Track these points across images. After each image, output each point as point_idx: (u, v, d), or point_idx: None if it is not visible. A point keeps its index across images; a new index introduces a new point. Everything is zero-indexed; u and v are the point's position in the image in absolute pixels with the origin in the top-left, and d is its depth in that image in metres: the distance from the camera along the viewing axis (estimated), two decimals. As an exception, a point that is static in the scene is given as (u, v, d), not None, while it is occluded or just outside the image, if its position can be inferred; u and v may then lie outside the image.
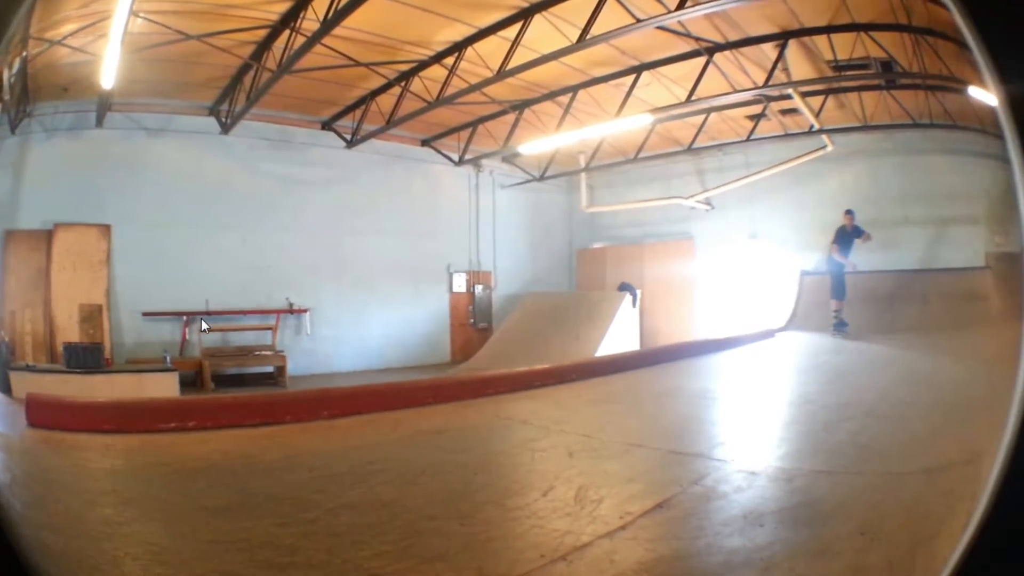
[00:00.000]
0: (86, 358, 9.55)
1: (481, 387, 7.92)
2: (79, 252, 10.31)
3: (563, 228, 17.47)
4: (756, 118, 12.48)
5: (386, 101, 11.51)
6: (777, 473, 4.25)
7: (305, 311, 11.47)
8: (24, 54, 9.56)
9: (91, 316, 10.10)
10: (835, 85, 11.12)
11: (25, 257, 10.15)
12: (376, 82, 11.11)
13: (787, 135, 12.66)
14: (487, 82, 10.02)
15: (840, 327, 11.15)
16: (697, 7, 7.98)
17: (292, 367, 11.07)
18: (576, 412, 6.57)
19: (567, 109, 11.99)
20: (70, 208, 10.31)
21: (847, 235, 11.59)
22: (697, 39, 9.71)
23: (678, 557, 3.13)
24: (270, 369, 11.08)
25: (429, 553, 3.24)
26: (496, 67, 9.72)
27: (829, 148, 12.52)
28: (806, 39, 9.77)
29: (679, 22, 8.74)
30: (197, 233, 10.97)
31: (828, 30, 9.43)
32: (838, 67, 10.27)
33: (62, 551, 3.37)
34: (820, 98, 11.81)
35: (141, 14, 8.39)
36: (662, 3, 8.14)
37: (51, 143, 10.57)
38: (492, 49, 9.64)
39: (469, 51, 9.84)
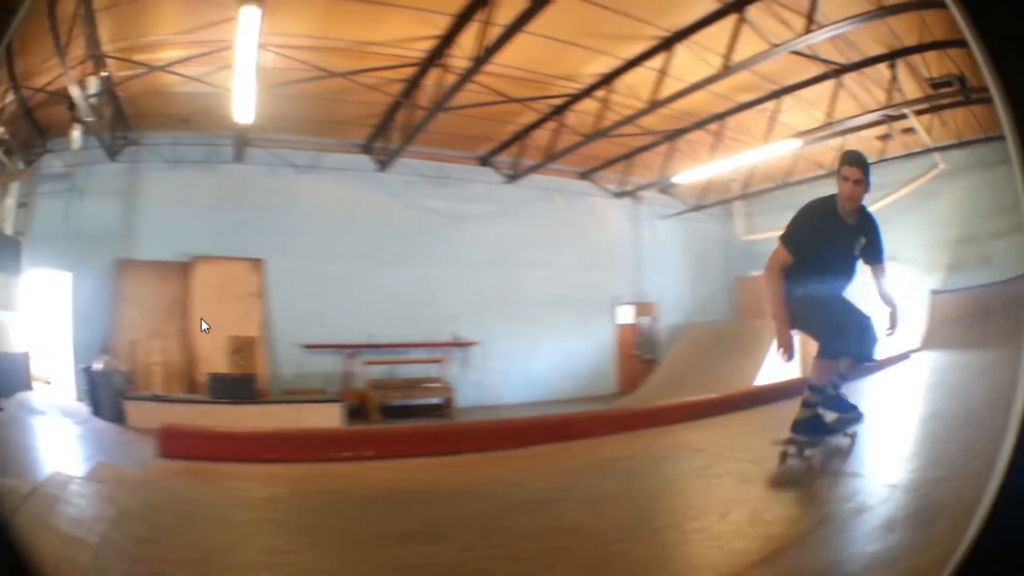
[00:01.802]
0: (236, 388, 9.71)
1: (653, 417, 8.14)
2: (223, 284, 10.39)
3: (720, 257, 17.16)
4: (884, 138, 12.60)
5: (541, 136, 11.58)
6: (908, 484, 4.64)
7: (472, 344, 11.60)
8: (103, 74, 9.57)
9: (242, 347, 10.18)
10: (936, 103, 11.36)
11: (153, 288, 10.21)
12: (530, 117, 11.18)
13: (909, 154, 12.79)
14: (640, 113, 10.07)
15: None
16: (822, 30, 8.20)
17: (460, 399, 11.13)
18: (746, 439, 6.75)
19: (717, 136, 12.07)
20: (210, 240, 10.40)
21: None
22: (824, 61, 9.90)
23: (834, 563, 3.57)
24: (437, 401, 11.13)
25: (615, 576, 3.45)
26: (646, 97, 9.82)
27: (941, 166, 12.50)
28: (908, 58, 10.03)
29: (808, 45, 8.96)
30: (357, 268, 11.06)
31: (924, 48, 9.65)
32: (933, 84, 10.54)
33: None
34: (926, 117, 11.77)
35: (271, 48, 8.39)
36: (789, 27, 8.37)
37: (178, 174, 10.62)
38: (640, 80, 9.75)
39: (618, 82, 9.96)
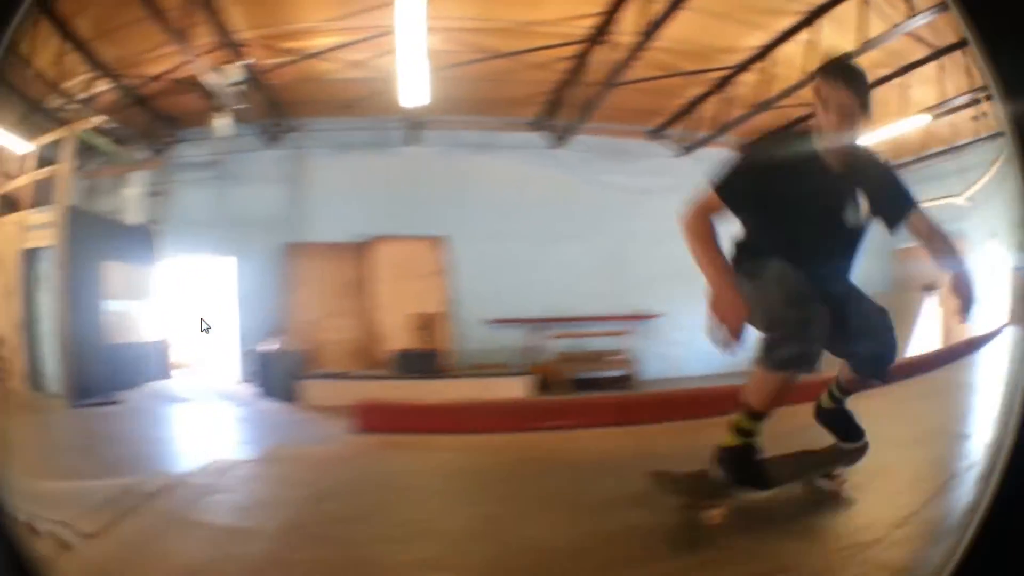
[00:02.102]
0: (422, 364, 10.15)
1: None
2: (403, 263, 10.81)
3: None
4: (977, 119, 12.74)
5: (709, 108, 11.62)
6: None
7: (655, 316, 11.69)
8: (243, 63, 9.80)
9: (427, 324, 10.59)
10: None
11: (327, 269, 10.65)
12: (696, 90, 11.29)
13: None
14: (798, 86, 9.94)
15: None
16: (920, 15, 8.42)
17: (644, 371, 11.31)
18: (907, 405, 6.47)
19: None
20: (386, 222, 10.76)
21: None
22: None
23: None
24: (621, 373, 11.31)
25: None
26: (801, 69, 9.84)
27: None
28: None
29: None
30: (538, 243, 11.27)
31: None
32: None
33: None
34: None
35: (437, 31, 8.52)
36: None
37: (345, 159, 11.00)
38: (794, 52, 9.82)
39: (775, 55, 10.15)
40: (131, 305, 10.47)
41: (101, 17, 8.24)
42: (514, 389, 9.87)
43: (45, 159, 10.11)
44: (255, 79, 10.05)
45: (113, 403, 8.98)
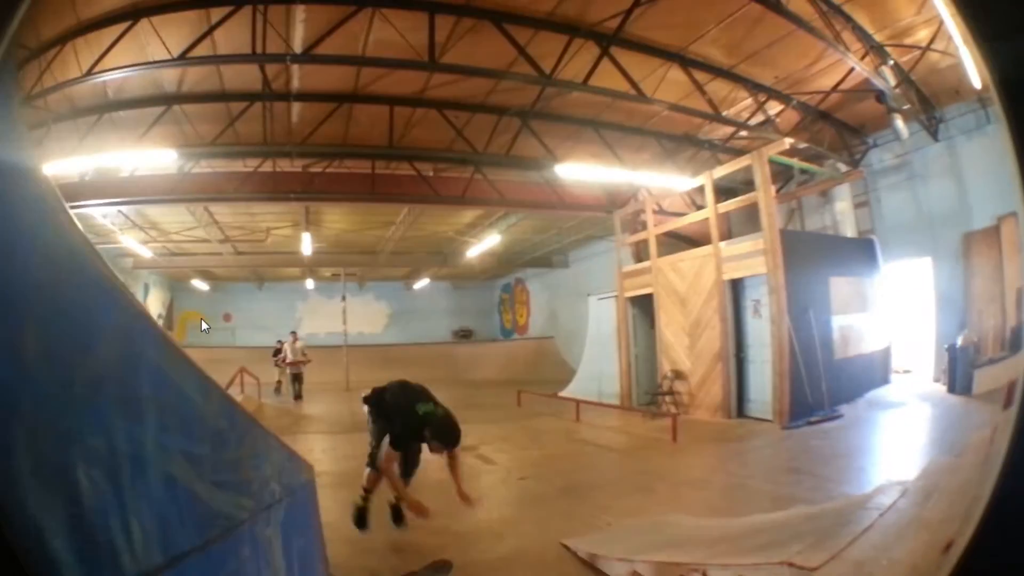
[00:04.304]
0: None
1: None
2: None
3: None
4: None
5: None
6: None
7: None
8: (890, 63, 9.48)
9: None
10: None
11: (986, 255, 10.03)
12: None
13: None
14: None
15: None
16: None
17: None
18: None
19: None
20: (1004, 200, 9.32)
21: None
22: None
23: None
24: None
25: None
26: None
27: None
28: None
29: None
30: None
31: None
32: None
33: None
34: None
35: None
36: None
37: (970, 144, 10.44)
38: None
39: None
40: (857, 318, 11.05)
41: (732, 41, 8.81)
42: None
43: (723, 192, 11.58)
44: (904, 77, 9.97)
45: (836, 417, 9.46)
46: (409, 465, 5.67)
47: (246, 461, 2.22)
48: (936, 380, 10.60)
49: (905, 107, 10.20)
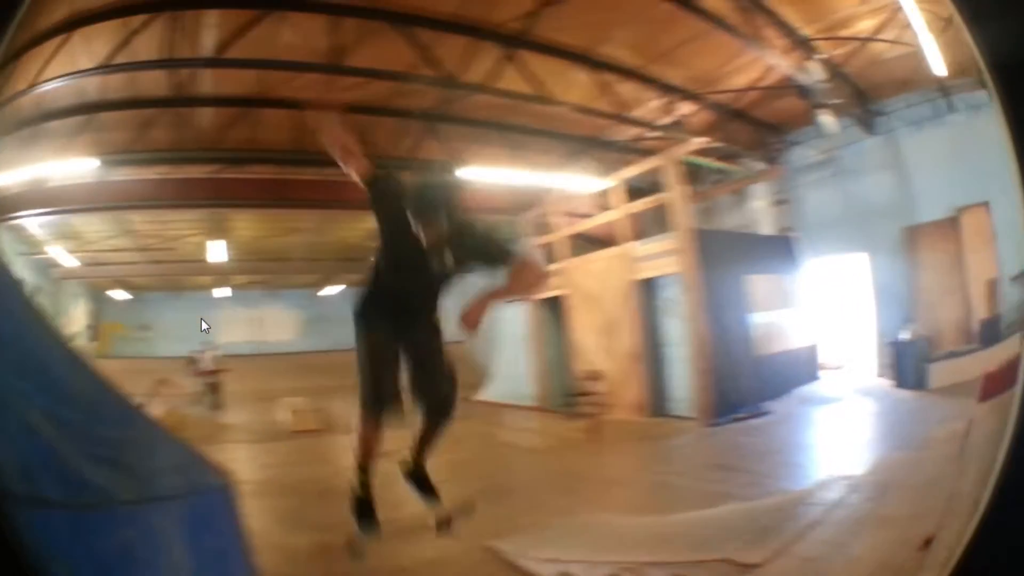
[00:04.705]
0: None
1: None
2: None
3: None
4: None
5: None
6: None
7: None
8: (817, 57, 9.44)
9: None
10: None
11: (934, 248, 10.07)
12: None
13: None
14: None
15: None
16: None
17: None
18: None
19: None
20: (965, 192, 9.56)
21: None
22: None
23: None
24: None
25: None
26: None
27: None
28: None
29: None
30: None
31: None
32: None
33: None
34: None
35: None
36: None
37: (920, 135, 10.29)
38: None
39: None
40: (778, 314, 11.03)
41: (641, 42, 8.85)
42: None
43: (634, 192, 11.48)
44: (836, 72, 9.93)
45: (763, 414, 9.40)
46: (425, 385, 3.92)
47: (131, 446, 2.27)
48: (881, 375, 10.56)
49: (835, 101, 10.15)
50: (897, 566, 2.81)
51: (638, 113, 10.42)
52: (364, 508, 3.90)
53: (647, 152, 11.57)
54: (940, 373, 9.19)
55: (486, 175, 11.00)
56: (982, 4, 1.49)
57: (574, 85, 9.16)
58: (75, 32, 7.65)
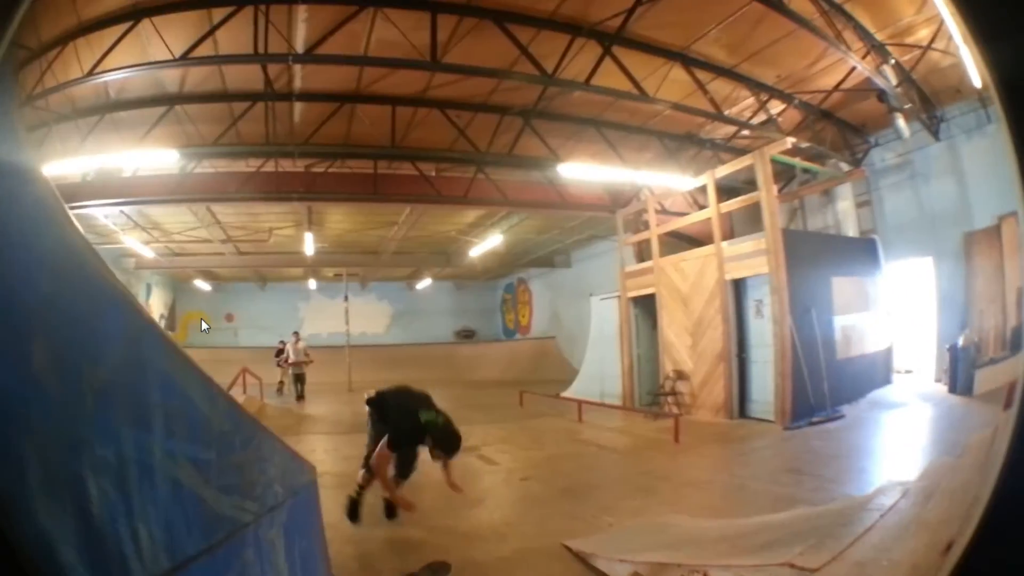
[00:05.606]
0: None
1: None
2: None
3: None
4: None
5: None
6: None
7: None
8: (891, 62, 9.47)
9: None
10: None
11: (986, 255, 9.99)
12: None
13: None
14: None
15: None
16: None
17: None
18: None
19: None
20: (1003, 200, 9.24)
21: None
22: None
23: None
24: None
25: None
26: None
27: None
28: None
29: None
30: None
31: None
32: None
33: None
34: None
35: None
36: None
37: (972, 143, 10.41)
38: None
39: None
40: (859, 317, 11.02)
41: (734, 40, 8.81)
42: None
43: (725, 191, 11.49)
44: (905, 76, 9.94)
45: (838, 417, 9.43)
46: (405, 466, 5.85)
47: (250, 464, 2.22)
48: (937, 380, 10.57)
49: (906, 106, 10.21)
50: (924, 569, 2.86)
51: (731, 111, 10.42)
52: (354, 508, 5.87)
53: (740, 151, 11.68)
54: (984, 379, 9.24)
55: (582, 172, 11.08)
56: (986, 20, 1.46)
57: (670, 83, 9.14)
58: (143, 21, 7.67)
